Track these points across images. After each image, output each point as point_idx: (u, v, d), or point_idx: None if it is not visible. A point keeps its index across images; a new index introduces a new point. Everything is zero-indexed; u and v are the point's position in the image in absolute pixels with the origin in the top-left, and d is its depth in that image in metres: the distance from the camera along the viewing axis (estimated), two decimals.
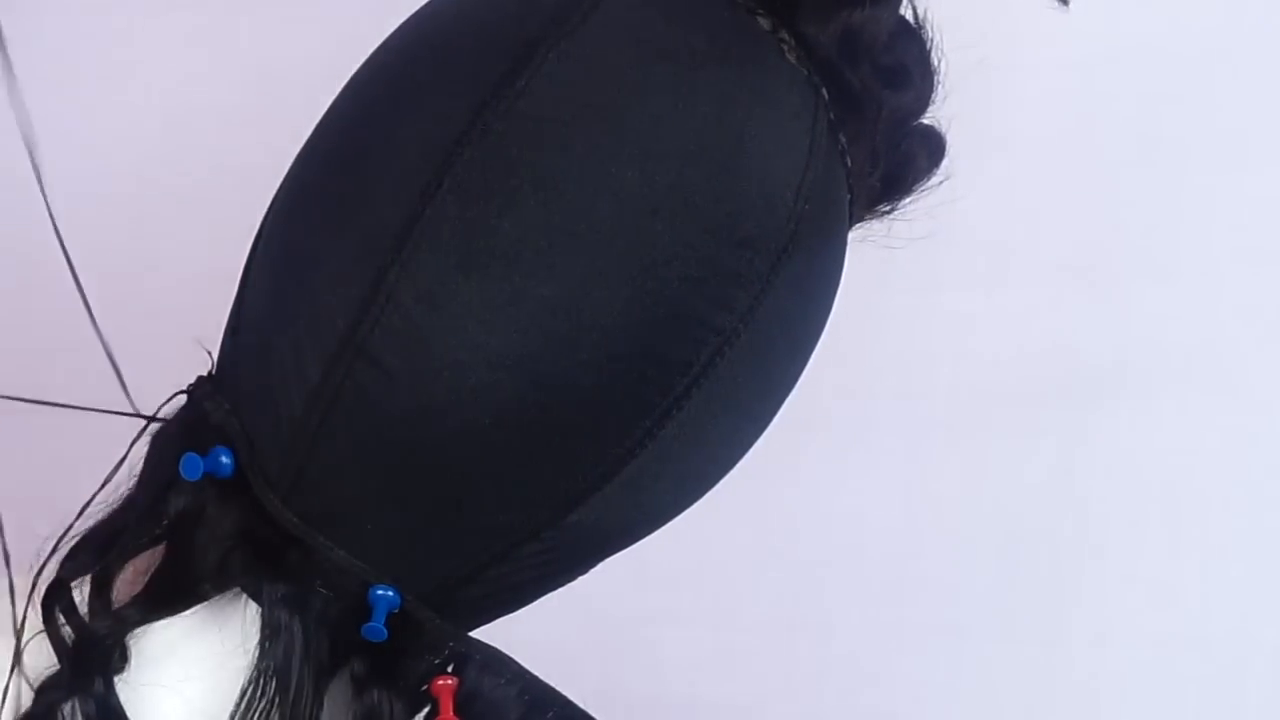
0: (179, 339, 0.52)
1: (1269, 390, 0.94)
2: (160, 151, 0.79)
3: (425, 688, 0.49)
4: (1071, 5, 0.53)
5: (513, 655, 0.50)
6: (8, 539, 0.51)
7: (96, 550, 0.49)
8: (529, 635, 0.52)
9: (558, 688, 0.50)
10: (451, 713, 0.48)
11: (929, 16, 0.53)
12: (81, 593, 0.49)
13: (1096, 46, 0.89)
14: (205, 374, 0.51)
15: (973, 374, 0.95)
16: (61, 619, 0.48)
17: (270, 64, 0.86)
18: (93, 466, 0.50)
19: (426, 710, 0.49)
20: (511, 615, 0.52)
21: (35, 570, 0.49)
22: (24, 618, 0.49)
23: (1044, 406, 0.95)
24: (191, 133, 0.85)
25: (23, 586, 0.49)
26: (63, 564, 0.49)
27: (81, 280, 0.54)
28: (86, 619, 0.48)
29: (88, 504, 0.50)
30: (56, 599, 0.48)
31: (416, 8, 0.51)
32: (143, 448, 0.50)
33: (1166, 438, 0.94)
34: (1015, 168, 0.91)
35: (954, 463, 0.96)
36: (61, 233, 0.54)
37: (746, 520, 0.86)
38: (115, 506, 0.50)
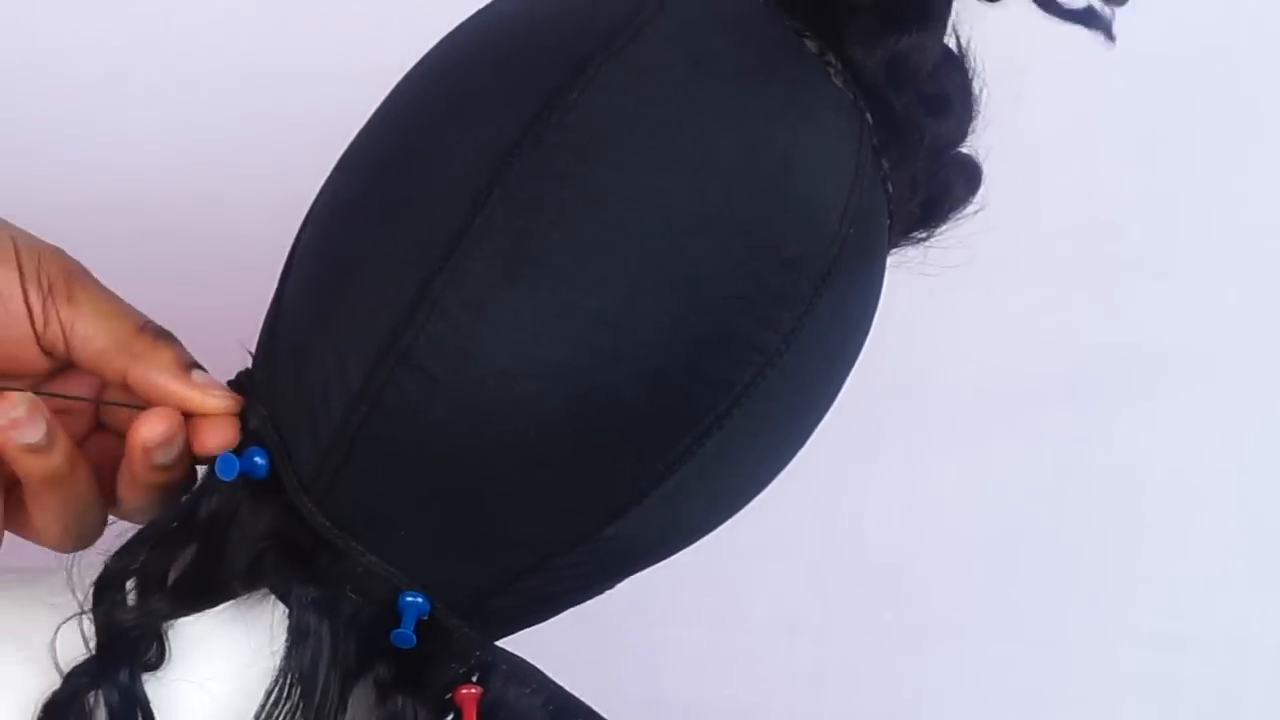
0: (213, 339, 0.52)
1: (1269, 390, 0.94)
2: (183, 154, 0.79)
3: (450, 696, 0.49)
4: (1084, 10, 0.53)
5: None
6: None
7: (141, 546, 0.49)
8: (528, 635, 0.52)
9: None
10: None
11: (972, 46, 0.52)
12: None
13: (1096, 47, 0.89)
14: (241, 374, 0.51)
15: (973, 374, 0.95)
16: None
17: (291, 67, 0.85)
18: None
19: (450, 718, 0.49)
20: None
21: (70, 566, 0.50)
22: None
23: (1044, 406, 0.95)
24: (210, 137, 0.84)
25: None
26: (111, 561, 0.49)
27: (112, 279, 0.54)
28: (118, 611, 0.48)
29: None
30: (106, 596, 0.48)
31: (434, 12, 0.51)
32: None
33: (1167, 437, 0.94)
34: (1015, 168, 0.90)
35: (955, 463, 0.96)
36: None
37: (746, 520, 0.86)
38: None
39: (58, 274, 0.50)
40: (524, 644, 0.51)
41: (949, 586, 0.97)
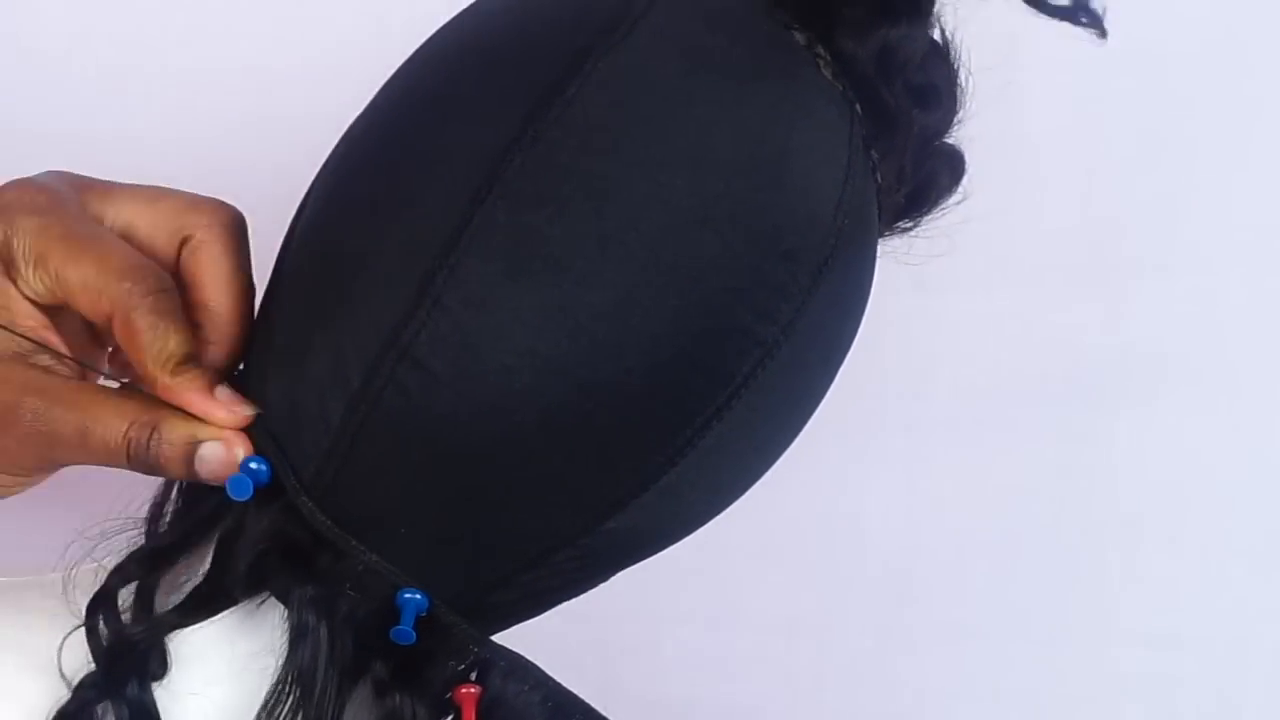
0: None
1: (1269, 390, 0.94)
2: (184, 153, 0.79)
3: (448, 695, 0.49)
4: (1072, 6, 0.53)
5: None
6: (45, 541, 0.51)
7: (143, 560, 0.49)
8: (529, 635, 0.52)
9: None
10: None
11: (956, 38, 0.53)
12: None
13: (1096, 46, 0.89)
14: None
15: (973, 374, 0.95)
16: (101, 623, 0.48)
17: (291, 66, 0.85)
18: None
19: (449, 718, 0.49)
20: None
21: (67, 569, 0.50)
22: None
23: (1044, 406, 0.95)
24: (210, 136, 0.84)
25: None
26: (111, 574, 0.49)
27: None
28: (124, 624, 0.48)
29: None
30: (102, 608, 0.48)
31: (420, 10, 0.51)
32: None
33: (1167, 437, 0.94)
34: (1015, 167, 0.91)
35: (956, 463, 0.96)
36: None
37: (747, 520, 0.86)
38: (151, 517, 0.50)
39: (31, 246, 0.49)
40: (524, 645, 0.51)
41: (949, 586, 0.97)
